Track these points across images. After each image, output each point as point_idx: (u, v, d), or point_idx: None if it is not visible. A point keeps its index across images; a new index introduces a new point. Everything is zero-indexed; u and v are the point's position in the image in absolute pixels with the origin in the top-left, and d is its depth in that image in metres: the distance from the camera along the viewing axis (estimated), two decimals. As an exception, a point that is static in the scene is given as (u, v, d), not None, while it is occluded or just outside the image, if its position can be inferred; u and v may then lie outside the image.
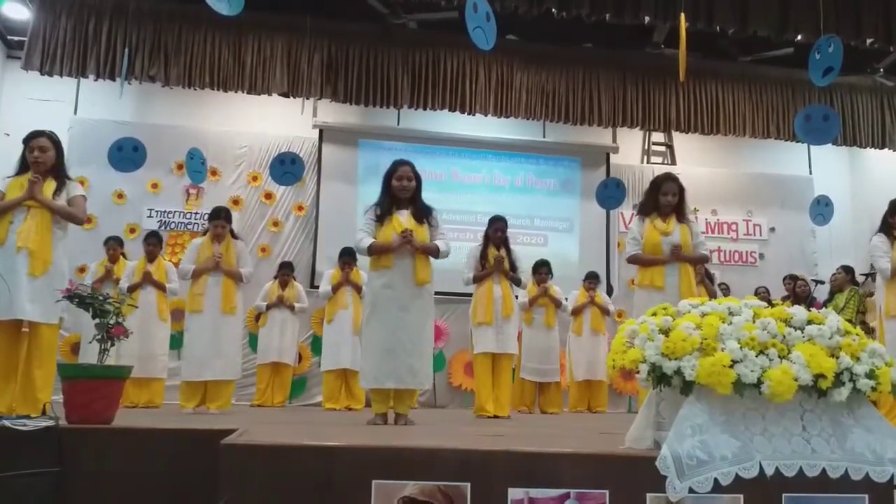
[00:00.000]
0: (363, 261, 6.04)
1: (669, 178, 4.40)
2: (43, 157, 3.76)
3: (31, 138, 3.82)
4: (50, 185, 3.75)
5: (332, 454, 2.08)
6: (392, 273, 3.95)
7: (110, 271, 6.38)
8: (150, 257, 6.33)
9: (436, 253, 4.05)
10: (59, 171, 3.83)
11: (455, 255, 7.63)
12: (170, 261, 7.60)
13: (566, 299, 7.19)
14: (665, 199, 4.32)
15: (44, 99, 8.00)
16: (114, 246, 6.57)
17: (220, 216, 5.21)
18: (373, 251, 3.98)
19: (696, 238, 4.34)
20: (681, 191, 4.35)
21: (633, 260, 4.40)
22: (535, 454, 2.10)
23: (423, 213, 4.06)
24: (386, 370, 3.88)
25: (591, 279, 7.59)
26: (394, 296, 3.93)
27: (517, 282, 5.58)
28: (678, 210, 4.36)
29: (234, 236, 5.31)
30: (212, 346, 5.00)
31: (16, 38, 8.13)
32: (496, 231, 5.56)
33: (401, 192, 4.03)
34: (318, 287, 8.19)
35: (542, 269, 6.89)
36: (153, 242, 6.42)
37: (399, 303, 3.92)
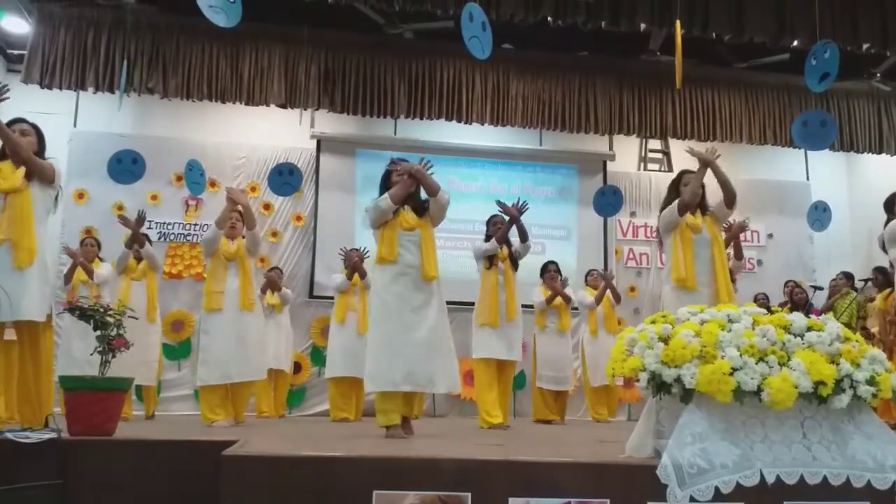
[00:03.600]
0: (367, 264, 6.01)
1: (689, 171, 4.42)
2: (23, 140, 3.48)
3: (10, 124, 3.54)
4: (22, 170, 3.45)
5: (332, 465, 2.09)
6: (397, 268, 3.78)
7: (71, 274, 5.91)
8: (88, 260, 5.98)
9: (436, 189, 3.90)
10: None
11: (453, 264, 7.65)
12: (168, 271, 7.69)
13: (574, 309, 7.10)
14: (687, 188, 4.26)
15: (43, 112, 7.96)
16: (90, 242, 6.14)
17: (234, 210, 5.22)
18: (393, 197, 3.82)
19: (720, 211, 4.33)
20: (702, 185, 4.30)
21: (681, 207, 4.17)
22: (535, 463, 2.10)
23: (422, 208, 3.97)
24: (400, 372, 3.61)
25: (594, 274, 7.43)
26: (402, 293, 3.74)
27: (524, 236, 5.48)
28: (702, 205, 4.32)
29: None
30: (237, 346, 4.87)
31: (15, 52, 8.15)
32: (495, 225, 5.54)
33: None
34: (316, 297, 8.24)
35: (550, 268, 6.78)
36: (90, 244, 6.08)
37: (409, 300, 3.74)
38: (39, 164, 3.50)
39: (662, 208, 4.41)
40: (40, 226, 3.51)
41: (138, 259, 6.09)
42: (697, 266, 4.08)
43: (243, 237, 5.25)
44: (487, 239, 5.54)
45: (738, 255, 6.05)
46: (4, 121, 3.48)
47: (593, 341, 7.16)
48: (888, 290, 6.25)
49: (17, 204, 3.40)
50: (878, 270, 6.75)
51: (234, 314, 4.94)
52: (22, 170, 3.45)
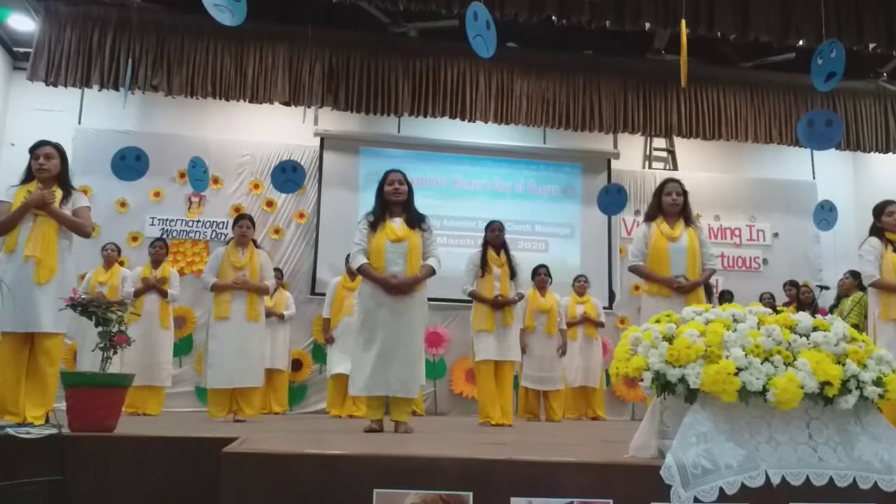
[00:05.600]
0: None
1: (672, 180, 4.48)
2: (48, 164, 3.84)
3: (36, 147, 3.89)
4: (56, 195, 3.80)
5: (333, 463, 2.07)
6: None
7: (102, 282, 6.15)
8: (155, 263, 6.31)
9: (430, 275, 4.08)
10: (63, 181, 3.89)
11: (456, 262, 7.66)
12: (172, 268, 7.68)
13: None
14: (669, 198, 4.34)
15: (48, 109, 8.03)
16: (112, 248, 6.43)
17: (245, 217, 5.46)
18: (361, 273, 4.03)
19: (704, 246, 4.32)
20: (685, 193, 4.39)
21: (633, 270, 4.41)
22: (538, 463, 2.08)
23: (415, 220, 4.11)
24: (376, 379, 3.89)
25: (581, 280, 7.62)
26: (384, 304, 3.95)
27: (518, 297, 5.61)
28: (684, 214, 4.38)
29: (256, 245, 5.45)
30: (240, 354, 5.10)
31: (21, 50, 8.17)
32: (493, 231, 5.58)
33: (393, 196, 4.10)
34: (319, 294, 8.23)
35: (540, 271, 6.90)
36: (159, 246, 6.40)
37: (390, 311, 3.94)
38: (88, 227, 3.90)
39: (646, 216, 4.53)
40: (69, 244, 3.84)
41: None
42: (673, 273, 4.21)
43: (256, 243, 5.44)
44: (484, 245, 5.61)
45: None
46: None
47: (571, 345, 7.25)
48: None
49: (46, 225, 3.74)
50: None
51: (240, 323, 5.15)
52: (56, 196, 3.76)
